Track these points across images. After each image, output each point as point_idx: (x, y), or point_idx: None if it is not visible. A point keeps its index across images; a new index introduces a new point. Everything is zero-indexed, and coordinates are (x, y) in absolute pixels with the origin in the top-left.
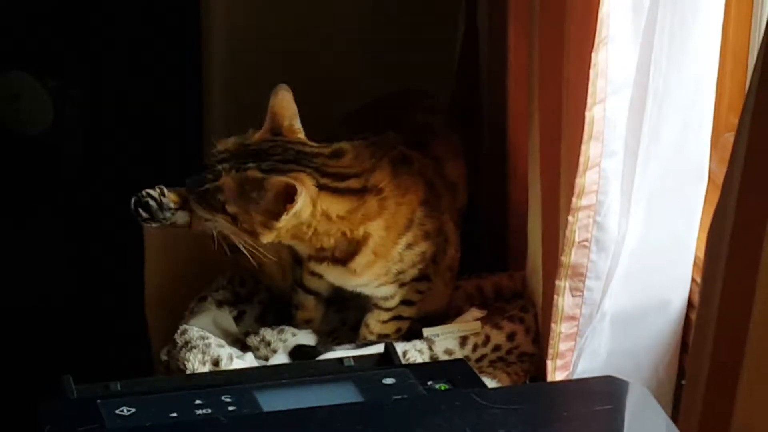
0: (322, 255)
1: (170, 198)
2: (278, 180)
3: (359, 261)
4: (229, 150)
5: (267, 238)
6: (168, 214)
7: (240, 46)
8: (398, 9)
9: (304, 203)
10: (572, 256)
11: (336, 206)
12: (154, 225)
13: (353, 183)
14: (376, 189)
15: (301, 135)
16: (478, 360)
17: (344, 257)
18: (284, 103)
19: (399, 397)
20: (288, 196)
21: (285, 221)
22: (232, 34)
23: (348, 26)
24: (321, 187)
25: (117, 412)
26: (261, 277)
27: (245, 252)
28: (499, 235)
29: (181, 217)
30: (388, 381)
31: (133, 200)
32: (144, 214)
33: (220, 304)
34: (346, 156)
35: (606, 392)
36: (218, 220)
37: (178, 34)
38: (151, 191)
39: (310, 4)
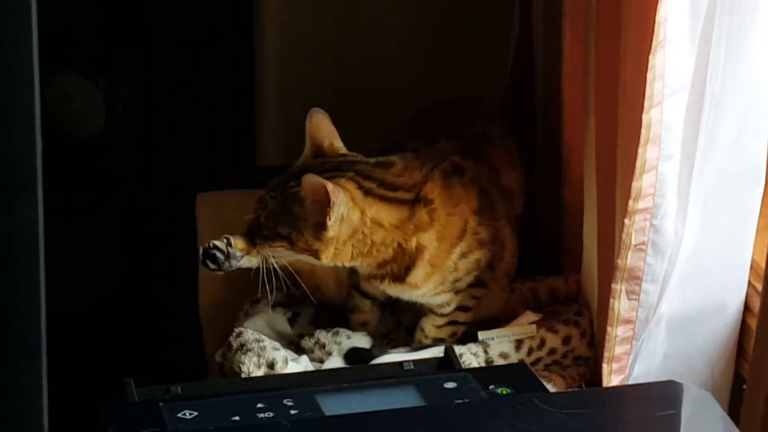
0: (382, 272)
1: (236, 246)
2: (309, 180)
3: (417, 274)
4: (276, 180)
5: (327, 255)
6: (235, 263)
7: (293, 44)
8: (452, 10)
9: (347, 205)
10: (628, 259)
11: (387, 214)
12: (221, 273)
13: (402, 194)
14: (425, 200)
15: (344, 151)
16: (533, 363)
17: (402, 272)
18: (321, 125)
19: (461, 401)
20: (326, 199)
21: (333, 228)
22: (284, 31)
23: (401, 28)
24: (366, 192)
25: (179, 415)
26: (317, 294)
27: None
28: (553, 237)
29: (248, 262)
30: (450, 385)
31: (201, 251)
32: (212, 266)
33: (274, 306)
34: (395, 166)
35: (669, 397)
36: (277, 248)
37: (230, 32)
38: (217, 242)
39: (362, 6)
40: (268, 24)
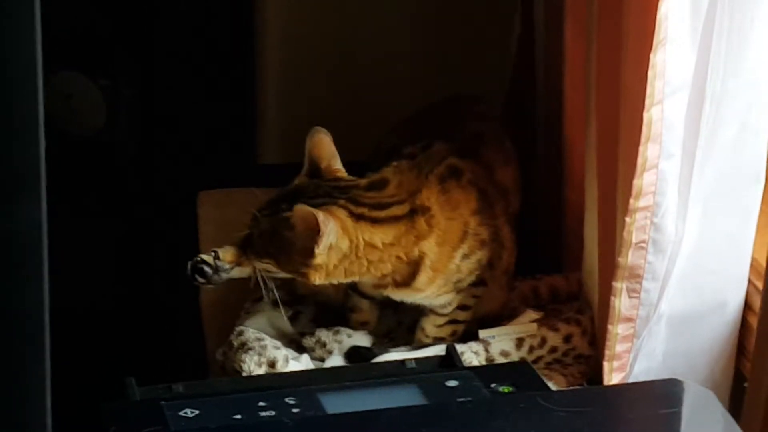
0: (384, 282)
1: (225, 258)
2: (300, 210)
3: (421, 279)
4: (270, 199)
5: (316, 278)
6: (224, 275)
7: (293, 43)
8: (453, 11)
9: (336, 234)
10: (629, 258)
11: (380, 235)
12: (210, 286)
13: (396, 210)
14: (422, 209)
15: (341, 174)
16: (534, 362)
17: (406, 280)
18: (321, 145)
19: (463, 399)
20: (316, 227)
21: (321, 256)
22: (285, 30)
23: (401, 28)
24: (358, 217)
25: (181, 413)
26: (315, 294)
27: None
28: (554, 236)
29: (238, 272)
30: (452, 383)
31: (189, 266)
32: (201, 279)
33: (275, 305)
34: (388, 185)
35: (670, 394)
36: (266, 265)
37: (231, 30)
38: (205, 257)
39: (362, 6)
40: (269, 22)
